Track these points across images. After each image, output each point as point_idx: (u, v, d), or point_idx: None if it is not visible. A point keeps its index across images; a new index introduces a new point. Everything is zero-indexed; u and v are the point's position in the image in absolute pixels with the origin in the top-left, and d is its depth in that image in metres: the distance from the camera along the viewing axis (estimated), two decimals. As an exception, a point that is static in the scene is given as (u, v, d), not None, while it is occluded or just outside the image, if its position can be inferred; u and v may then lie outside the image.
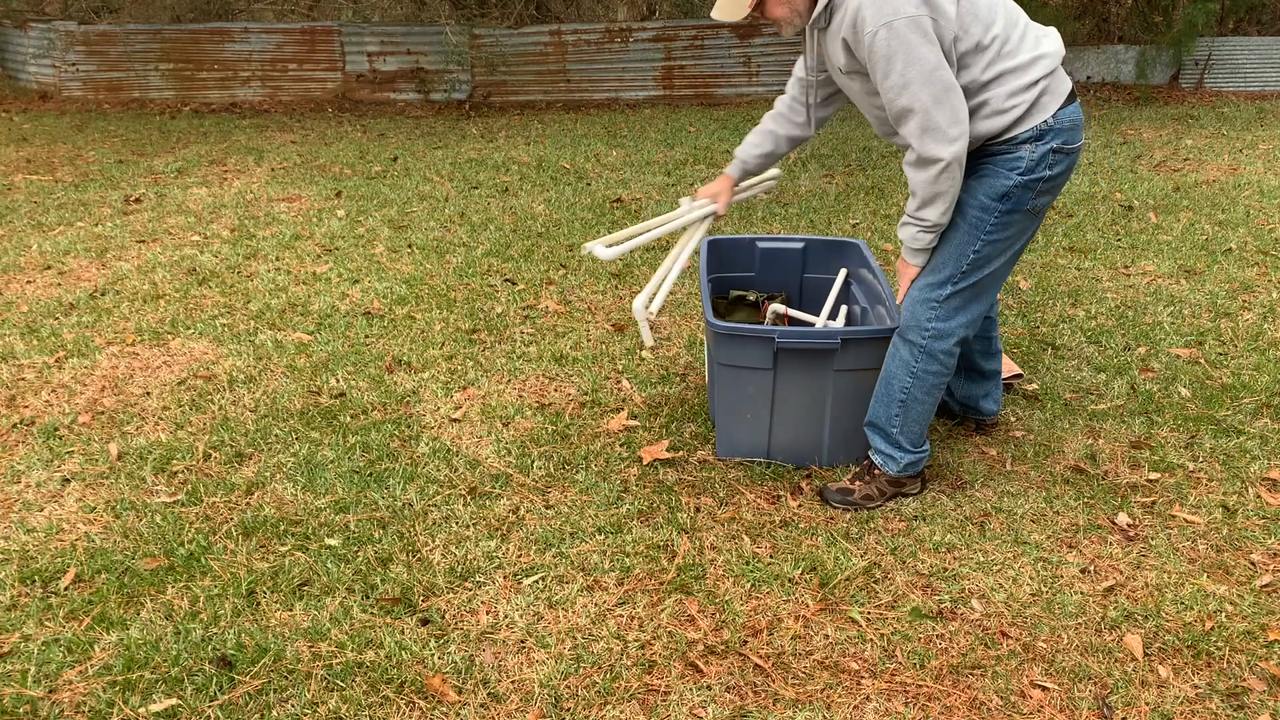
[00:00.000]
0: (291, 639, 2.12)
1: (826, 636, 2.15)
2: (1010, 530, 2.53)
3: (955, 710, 1.95)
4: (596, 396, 3.28)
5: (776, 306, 3.15)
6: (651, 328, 3.00)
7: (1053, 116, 2.33)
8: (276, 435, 3.00)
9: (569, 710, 1.94)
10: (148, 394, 3.29)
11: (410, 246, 4.98)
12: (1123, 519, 2.57)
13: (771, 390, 2.70)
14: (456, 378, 3.42)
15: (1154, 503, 2.65)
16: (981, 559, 2.41)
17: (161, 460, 2.85)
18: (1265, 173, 6.50)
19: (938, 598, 2.27)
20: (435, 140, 8.34)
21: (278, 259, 4.76)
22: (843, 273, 3.21)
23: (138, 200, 5.99)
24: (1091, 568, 2.38)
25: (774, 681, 2.01)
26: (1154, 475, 2.78)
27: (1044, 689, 2.00)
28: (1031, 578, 2.34)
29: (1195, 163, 6.92)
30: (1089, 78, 10.55)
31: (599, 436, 3.01)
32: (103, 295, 4.23)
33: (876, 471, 2.62)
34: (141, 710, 1.93)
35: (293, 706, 1.94)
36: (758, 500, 2.66)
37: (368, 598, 2.26)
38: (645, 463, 2.83)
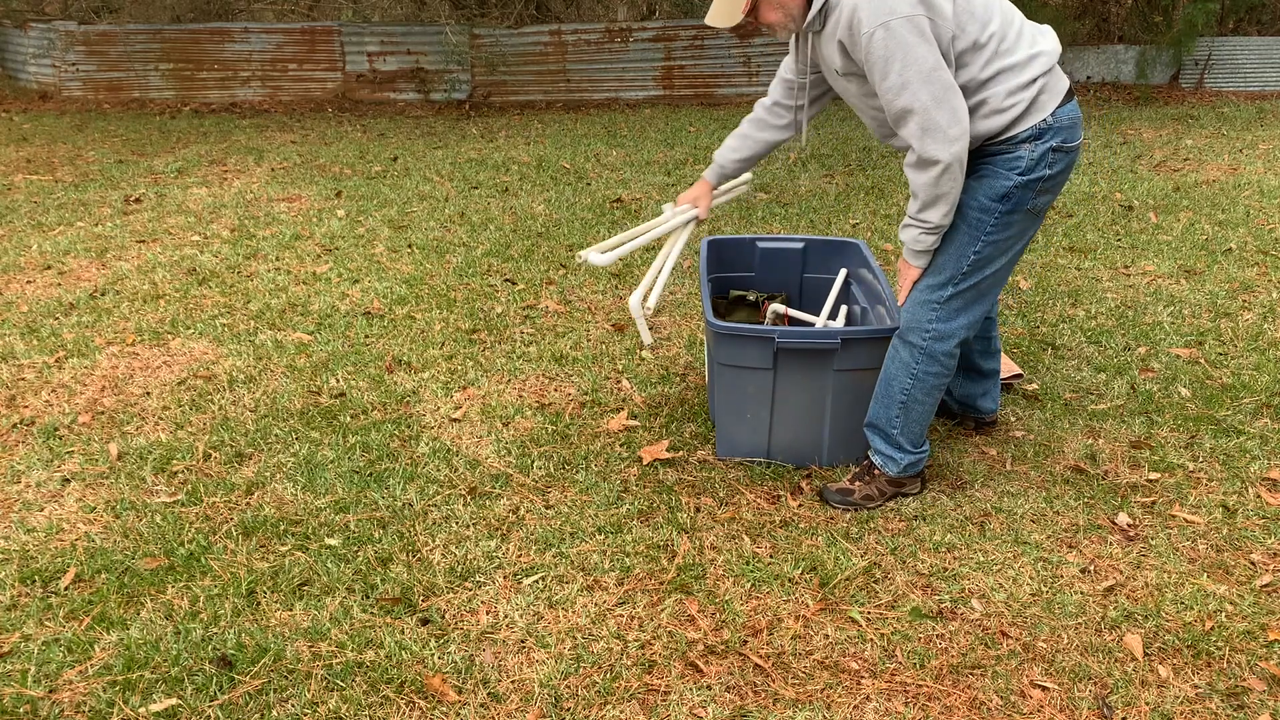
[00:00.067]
0: (291, 639, 2.12)
1: (826, 636, 2.15)
2: (1010, 530, 2.53)
3: (955, 710, 1.95)
4: (596, 396, 3.28)
5: (776, 306, 3.15)
6: (650, 326, 3.01)
7: (1051, 115, 2.32)
8: (276, 435, 3.00)
9: (569, 710, 1.94)
10: (148, 394, 3.29)
11: (410, 246, 4.98)
12: (1123, 519, 2.57)
13: (771, 390, 2.70)
14: (456, 378, 3.42)
15: (1154, 503, 2.65)
16: (981, 559, 2.41)
17: (161, 460, 2.85)
18: (1265, 173, 6.50)
19: (938, 598, 2.27)
20: (435, 140, 8.33)
21: (278, 259, 4.76)
22: (843, 273, 3.21)
23: (138, 200, 5.99)
24: (1091, 568, 2.38)
25: (774, 681, 2.01)
26: (1154, 475, 2.78)
27: (1044, 689, 2.00)
28: (1031, 578, 2.34)
29: (1195, 163, 6.92)
30: (1089, 78, 10.55)
31: (599, 436, 3.01)
32: (103, 295, 4.23)
33: (876, 472, 2.63)
34: (141, 710, 1.93)
35: (293, 706, 1.94)
36: (758, 500, 2.66)
37: (368, 598, 2.26)
38: (645, 463, 2.83)
